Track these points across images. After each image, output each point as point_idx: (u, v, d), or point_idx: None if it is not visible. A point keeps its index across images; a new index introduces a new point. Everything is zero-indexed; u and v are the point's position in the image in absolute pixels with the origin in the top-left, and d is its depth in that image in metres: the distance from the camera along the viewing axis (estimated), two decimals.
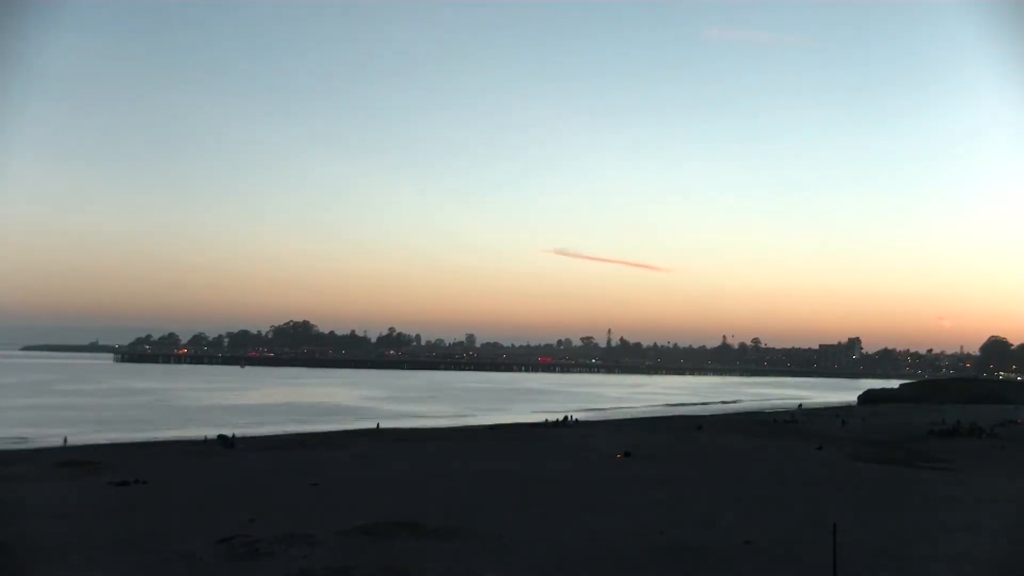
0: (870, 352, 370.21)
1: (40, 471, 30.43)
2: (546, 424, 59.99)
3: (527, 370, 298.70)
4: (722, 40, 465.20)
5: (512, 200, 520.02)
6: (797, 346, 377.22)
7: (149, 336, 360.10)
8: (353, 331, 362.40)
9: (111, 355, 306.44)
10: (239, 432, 50.49)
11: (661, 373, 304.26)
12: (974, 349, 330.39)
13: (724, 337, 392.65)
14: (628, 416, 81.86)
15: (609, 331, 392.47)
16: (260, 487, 26.31)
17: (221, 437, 44.31)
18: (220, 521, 19.54)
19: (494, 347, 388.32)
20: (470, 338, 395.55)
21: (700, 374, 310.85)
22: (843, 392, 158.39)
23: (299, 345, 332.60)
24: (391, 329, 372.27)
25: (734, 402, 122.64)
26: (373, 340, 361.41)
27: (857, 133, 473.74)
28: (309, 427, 62.52)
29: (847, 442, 46.24)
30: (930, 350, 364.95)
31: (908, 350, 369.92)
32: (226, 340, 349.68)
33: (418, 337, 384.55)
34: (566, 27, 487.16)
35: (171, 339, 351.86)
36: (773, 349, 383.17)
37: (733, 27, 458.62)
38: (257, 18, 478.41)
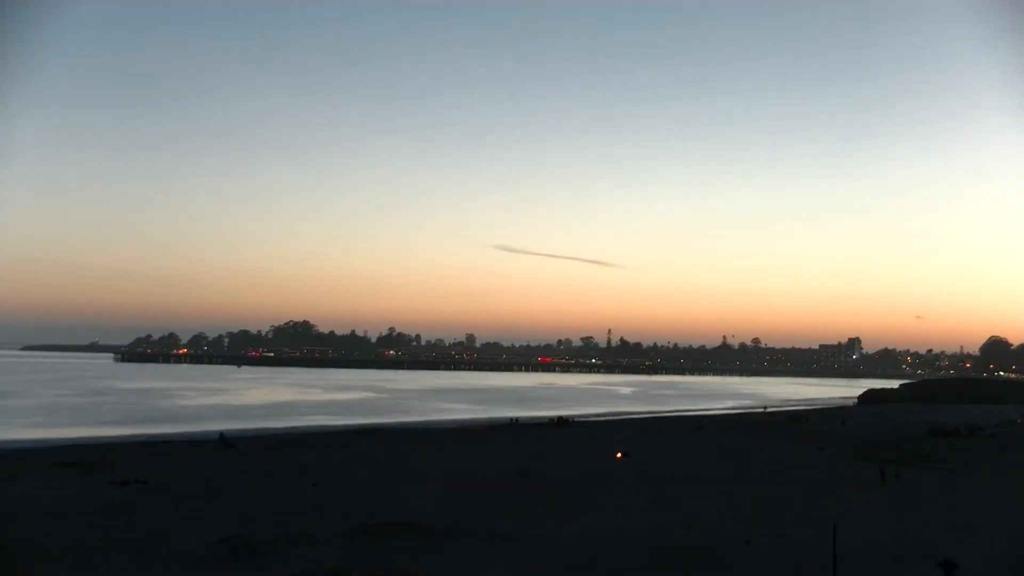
0: (870, 352, 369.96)
1: (40, 471, 30.42)
2: (547, 424, 60.03)
3: (527, 370, 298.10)
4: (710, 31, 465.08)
5: (514, 202, 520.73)
6: (797, 346, 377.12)
7: (149, 336, 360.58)
8: (353, 331, 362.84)
9: (111, 355, 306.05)
10: (239, 432, 50.47)
11: (661, 373, 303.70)
12: (974, 349, 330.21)
13: (724, 337, 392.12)
14: (629, 416, 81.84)
15: (609, 331, 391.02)
16: (260, 487, 26.28)
17: (221, 437, 44.28)
18: (220, 521, 19.54)
19: (494, 347, 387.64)
20: (470, 338, 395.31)
21: (700, 374, 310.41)
22: (843, 392, 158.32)
23: (299, 345, 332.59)
24: (391, 329, 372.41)
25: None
26: (373, 340, 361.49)
27: (858, 131, 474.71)
28: (318, 425, 62.54)
29: (847, 442, 46.24)
30: (930, 350, 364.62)
31: (908, 350, 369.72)
32: (226, 340, 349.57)
33: (418, 337, 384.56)
34: (529, 24, 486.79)
35: (171, 339, 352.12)
36: (773, 349, 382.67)
37: (718, 23, 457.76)
38: (253, 26, 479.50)
